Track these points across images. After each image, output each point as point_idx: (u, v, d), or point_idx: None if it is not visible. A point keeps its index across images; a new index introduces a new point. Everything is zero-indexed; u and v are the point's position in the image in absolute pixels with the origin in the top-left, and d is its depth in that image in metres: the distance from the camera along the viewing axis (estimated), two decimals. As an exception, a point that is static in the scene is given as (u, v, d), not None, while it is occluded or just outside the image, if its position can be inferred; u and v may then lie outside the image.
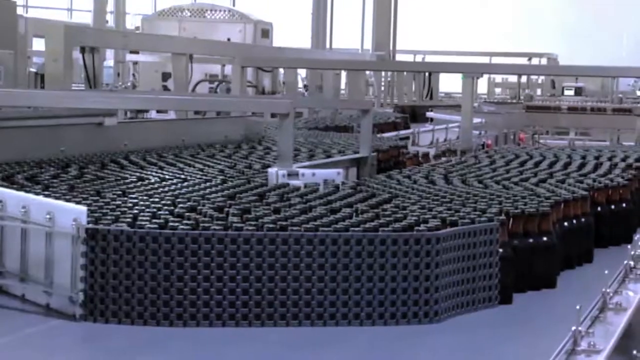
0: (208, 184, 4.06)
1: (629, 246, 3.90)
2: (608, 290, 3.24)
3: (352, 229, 2.99)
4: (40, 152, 4.77)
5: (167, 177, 4.30)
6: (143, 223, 2.96)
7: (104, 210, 3.18)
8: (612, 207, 4.32)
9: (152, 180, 4.16)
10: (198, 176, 4.38)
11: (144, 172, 4.48)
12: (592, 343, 2.76)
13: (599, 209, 4.21)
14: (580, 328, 2.77)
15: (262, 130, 6.86)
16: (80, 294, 2.90)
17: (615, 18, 30.12)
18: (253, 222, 3.04)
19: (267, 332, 2.87)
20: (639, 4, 28.43)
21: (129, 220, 3.02)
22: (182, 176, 4.34)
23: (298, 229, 2.97)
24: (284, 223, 3.02)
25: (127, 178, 4.21)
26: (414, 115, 11.70)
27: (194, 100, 5.87)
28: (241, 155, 5.35)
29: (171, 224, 2.98)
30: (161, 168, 4.69)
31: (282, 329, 2.90)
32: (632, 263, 3.72)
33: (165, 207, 3.34)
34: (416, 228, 3.04)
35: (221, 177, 4.34)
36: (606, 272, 3.38)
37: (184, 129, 6.15)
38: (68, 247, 2.92)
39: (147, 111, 9.20)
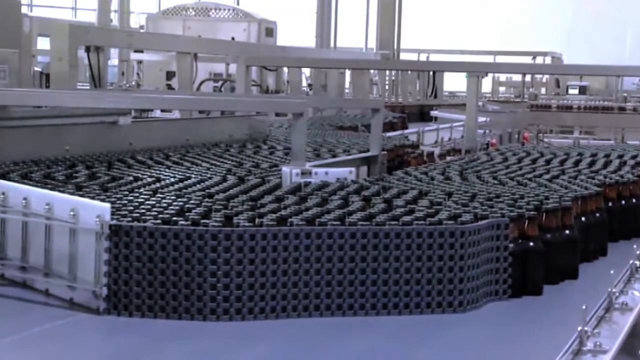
0: (227, 183, 4.10)
1: (634, 246, 3.91)
2: (614, 290, 3.26)
3: (389, 222, 3.12)
4: (44, 152, 4.80)
5: (183, 176, 4.34)
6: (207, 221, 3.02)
7: (142, 210, 3.23)
8: (623, 202, 4.48)
9: (174, 180, 4.19)
10: (209, 175, 4.42)
11: (162, 171, 4.53)
12: (598, 343, 2.78)
13: (610, 204, 4.35)
14: (586, 328, 2.80)
15: (266, 130, 6.87)
16: (103, 288, 2.96)
17: (617, 17, 30.09)
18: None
19: (288, 323, 2.95)
20: (640, 3, 28.41)
21: (192, 219, 3.06)
22: (197, 175, 4.38)
23: (338, 224, 3.08)
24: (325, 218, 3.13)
25: (145, 178, 4.25)
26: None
27: (208, 100, 5.89)
28: (252, 154, 5.37)
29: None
30: (169, 167, 4.73)
31: (319, 319, 2.99)
32: (637, 263, 3.73)
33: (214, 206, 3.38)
34: (445, 222, 3.17)
35: (234, 175, 4.39)
36: (612, 271, 3.39)
37: (189, 128, 6.16)
38: (92, 243, 2.99)
39: (151, 110, 9.21)
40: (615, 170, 4.95)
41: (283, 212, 3.26)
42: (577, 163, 5.34)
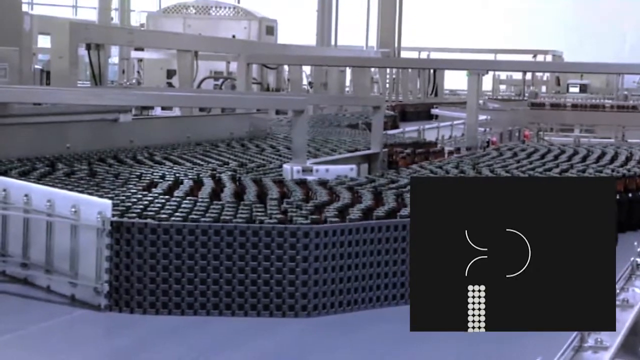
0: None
1: (635, 243, 3.91)
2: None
3: None
4: (45, 149, 4.79)
5: (198, 174, 4.31)
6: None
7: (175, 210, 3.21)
8: (630, 195, 4.68)
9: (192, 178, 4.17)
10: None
11: (176, 169, 4.53)
12: (599, 340, 2.78)
13: (617, 196, 4.52)
14: (586, 324, 2.78)
15: (267, 127, 6.87)
16: (105, 284, 2.97)
17: (617, 15, 30.07)
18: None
19: (290, 321, 2.95)
20: (641, 2, 28.39)
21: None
22: (211, 172, 4.38)
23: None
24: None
25: (163, 175, 4.22)
26: None
27: (209, 98, 5.88)
28: (241, 153, 5.36)
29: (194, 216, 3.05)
30: (175, 164, 4.75)
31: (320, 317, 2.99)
32: (639, 260, 3.73)
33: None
34: None
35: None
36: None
37: (190, 126, 6.16)
38: (93, 239, 2.99)
39: (152, 108, 9.21)
40: (622, 165, 5.18)
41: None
42: (584, 158, 5.58)
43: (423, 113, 12.58)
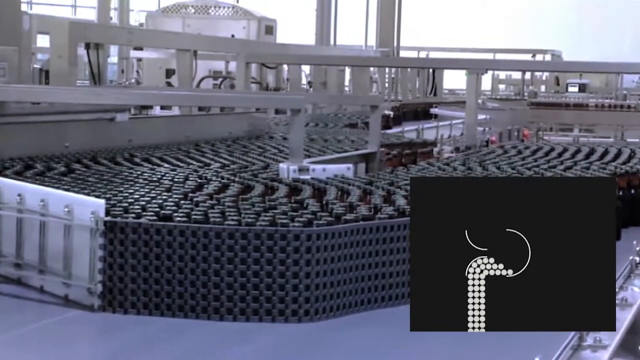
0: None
1: (634, 242, 3.90)
2: (613, 286, 3.24)
3: None
4: (43, 149, 4.78)
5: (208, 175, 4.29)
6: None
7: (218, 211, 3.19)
8: (632, 191, 4.81)
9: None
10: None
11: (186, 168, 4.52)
12: (598, 338, 2.77)
13: (620, 193, 4.67)
14: (585, 323, 2.77)
15: (266, 126, 6.85)
16: (98, 285, 2.94)
17: (617, 14, 30.07)
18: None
19: (281, 325, 2.93)
20: (640, 1, 28.39)
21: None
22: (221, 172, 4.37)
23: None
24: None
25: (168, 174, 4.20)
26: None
27: (208, 97, 5.86)
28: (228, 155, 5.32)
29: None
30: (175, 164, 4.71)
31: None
32: (637, 259, 3.72)
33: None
34: None
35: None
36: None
37: (189, 125, 6.14)
38: (86, 239, 2.97)
39: (151, 107, 9.20)
40: (624, 162, 5.30)
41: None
42: (588, 155, 5.68)
43: (409, 113, 12.59)
